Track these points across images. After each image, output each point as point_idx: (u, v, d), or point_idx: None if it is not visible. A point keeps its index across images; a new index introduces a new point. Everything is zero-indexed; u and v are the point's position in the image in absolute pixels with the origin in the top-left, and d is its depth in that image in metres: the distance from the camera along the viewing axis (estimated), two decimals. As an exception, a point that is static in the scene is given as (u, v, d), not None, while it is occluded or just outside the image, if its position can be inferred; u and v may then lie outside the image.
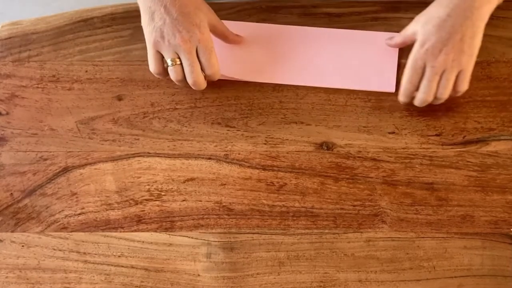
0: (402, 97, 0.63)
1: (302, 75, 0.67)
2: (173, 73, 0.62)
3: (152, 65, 0.63)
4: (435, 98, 0.62)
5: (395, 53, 0.67)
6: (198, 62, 0.62)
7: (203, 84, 0.63)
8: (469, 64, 0.61)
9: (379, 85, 0.66)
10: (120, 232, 0.61)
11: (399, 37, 0.65)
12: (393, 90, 0.65)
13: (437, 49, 0.60)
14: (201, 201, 0.62)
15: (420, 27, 0.61)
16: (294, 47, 0.68)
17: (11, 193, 0.63)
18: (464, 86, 0.62)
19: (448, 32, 0.59)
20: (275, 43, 0.68)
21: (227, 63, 0.67)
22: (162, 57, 0.62)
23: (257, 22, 0.70)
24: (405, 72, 0.62)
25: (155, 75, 0.64)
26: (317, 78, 0.67)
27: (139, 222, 0.61)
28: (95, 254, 0.60)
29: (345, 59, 0.67)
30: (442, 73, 0.61)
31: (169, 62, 0.62)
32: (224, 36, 0.67)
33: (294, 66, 0.67)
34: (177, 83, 0.64)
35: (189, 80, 0.63)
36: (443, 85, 0.61)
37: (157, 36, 0.61)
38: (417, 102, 0.63)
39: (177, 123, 0.66)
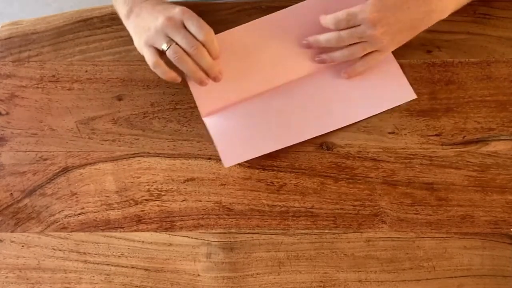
0: (322, 20, 0.64)
1: (321, 124, 0.64)
2: (172, 53, 0.60)
3: (158, 68, 0.61)
4: (337, 52, 0.63)
5: (393, 61, 0.66)
6: (189, 33, 0.60)
7: (207, 55, 0.61)
8: (387, 51, 0.63)
9: (400, 99, 0.65)
10: (120, 232, 0.61)
11: None
12: (414, 96, 0.65)
13: (382, 24, 0.60)
14: (201, 201, 0.62)
15: None
16: (304, 102, 0.65)
17: (11, 193, 0.63)
18: (372, 62, 0.63)
19: (399, 20, 0.61)
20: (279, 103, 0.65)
21: (238, 143, 0.64)
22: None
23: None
24: (339, 12, 0.61)
25: (163, 76, 0.62)
26: (339, 120, 0.64)
27: (139, 222, 0.61)
28: (95, 254, 0.60)
29: (351, 91, 0.65)
30: (363, 42, 0.62)
31: (164, 46, 0.60)
32: None
33: (313, 116, 0.65)
34: (185, 69, 0.61)
35: (197, 58, 0.61)
36: (357, 50, 0.62)
37: (145, 32, 0.61)
38: (324, 36, 0.63)
39: (177, 123, 0.66)
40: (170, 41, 0.60)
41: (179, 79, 0.63)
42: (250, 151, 0.63)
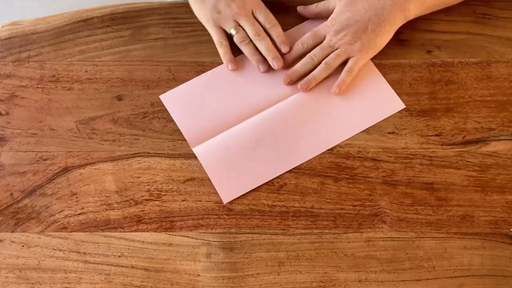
0: (293, 54, 0.67)
1: (316, 146, 0.64)
2: (239, 37, 0.66)
3: (222, 47, 0.67)
4: (315, 70, 0.65)
5: (378, 74, 0.67)
6: (257, 22, 0.66)
7: (267, 40, 0.66)
8: (361, 54, 0.65)
9: (389, 110, 0.65)
10: (120, 232, 0.61)
11: (317, 7, 0.69)
12: (403, 105, 0.65)
13: (341, 27, 0.64)
14: (201, 201, 0.62)
15: (338, 3, 0.66)
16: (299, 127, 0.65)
17: (11, 193, 0.63)
18: (354, 68, 0.65)
19: (357, 20, 0.64)
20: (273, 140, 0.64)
21: (236, 181, 0.63)
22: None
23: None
24: (305, 35, 0.67)
25: (224, 56, 0.67)
26: (332, 139, 0.64)
27: (139, 222, 0.61)
28: (95, 254, 0.60)
29: (341, 110, 0.65)
30: (334, 50, 0.65)
31: (232, 31, 0.67)
32: None
33: (307, 142, 0.64)
34: (247, 51, 0.67)
35: (258, 42, 0.66)
36: (331, 58, 0.65)
37: (214, 13, 0.66)
38: (299, 64, 0.66)
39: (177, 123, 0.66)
40: (238, 26, 0.66)
41: (235, 66, 0.67)
42: (247, 183, 0.62)
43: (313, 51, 0.66)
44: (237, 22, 0.66)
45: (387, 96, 0.66)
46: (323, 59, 0.65)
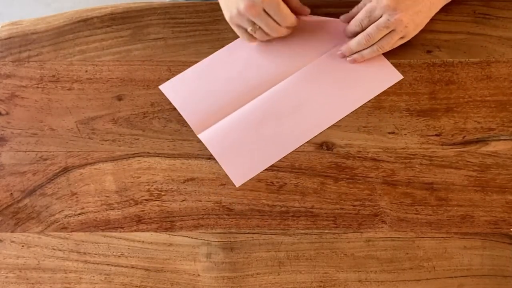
0: (348, 34, 0.67)
1: (320, 123, 0.65)
2: (259, 36, 0.67)
3: (246, 39, 0.68)
4: (368, 47, 0.66)
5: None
6: (271, 20, 0.65)
7: (287, 32, 0.67)
8: (410, 35, 0.66)
9: (387, 82, 0.66)
10: (120, 232, 0.61)
11: (359, 7, 0.68)
12: (401, 76, 0.66)
13: (398, 9, 0.62)
14: (201, 201, 0.62)
15: None
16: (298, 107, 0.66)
17: (11, 193, 0.63)
18: (394, 46, 0.66)
19: (414, 1, 0.63)
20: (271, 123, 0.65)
21: (242, 166, 0.64)
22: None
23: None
24: (358, 14, 0.65)
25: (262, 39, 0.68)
26: (335, 114, 0.65)
27: (139, 222, 0.61)
28: (95, 254, 0.60)
29: (340, 84, 0.67)
30: (389, 32, 0.64)
31: (250, 30, 0.66)
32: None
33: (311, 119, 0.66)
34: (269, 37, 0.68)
35: (274, 36, 0.67)
36: (386, 41, 0.65)
37: (231, 13, 0.65)
38: (354, 42, 0.66)
39: (177, 123, 0.66)
40: (254, 25, 0.65)
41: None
42: (257, 165, 0.63)
43: (369, 30, 0.65)
44: (252, 21, 0.65)
45: (384, 69, 0.67)
46: (378, 39, 0.65)
